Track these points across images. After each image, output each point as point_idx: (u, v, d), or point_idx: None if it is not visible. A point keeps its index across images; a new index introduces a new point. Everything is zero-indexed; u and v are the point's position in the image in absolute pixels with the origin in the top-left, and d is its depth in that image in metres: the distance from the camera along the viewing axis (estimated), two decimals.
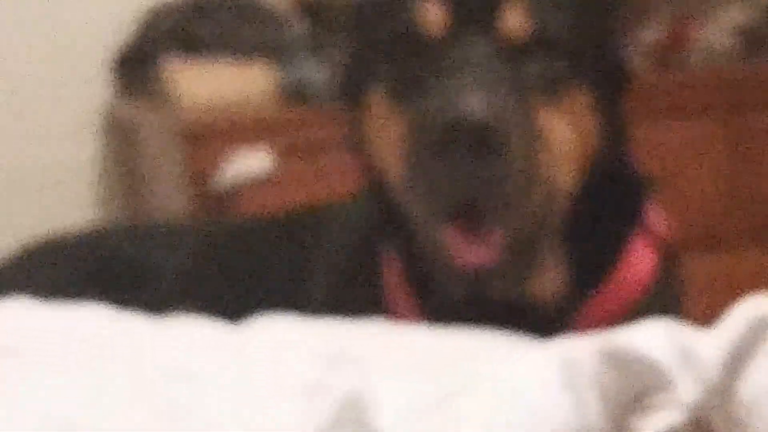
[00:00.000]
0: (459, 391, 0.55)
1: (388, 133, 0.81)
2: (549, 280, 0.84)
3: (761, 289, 0.68)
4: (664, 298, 0.88)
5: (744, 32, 2.81)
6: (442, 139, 0.74)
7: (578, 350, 0.53)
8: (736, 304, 0.56)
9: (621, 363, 0.52)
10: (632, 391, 0.53)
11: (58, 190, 1.99)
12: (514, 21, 0.79)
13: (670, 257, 0.90)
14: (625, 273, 0.85)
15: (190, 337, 0.70)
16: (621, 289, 0.84)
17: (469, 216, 0.76)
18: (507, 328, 0.69)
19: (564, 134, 0.80)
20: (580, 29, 0.83)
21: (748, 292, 0.61)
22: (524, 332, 0.67)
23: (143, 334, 0.71)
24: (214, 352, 0.67)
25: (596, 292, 0.83)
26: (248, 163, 1.58)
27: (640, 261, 0.86)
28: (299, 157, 1.67)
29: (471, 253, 0.76)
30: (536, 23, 0.80)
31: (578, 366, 0.52)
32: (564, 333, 0.72)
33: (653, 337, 0.54)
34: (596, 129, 0.82)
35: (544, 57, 0.81)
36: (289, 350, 0.61)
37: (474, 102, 0.73)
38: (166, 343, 0.69)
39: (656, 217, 0.90)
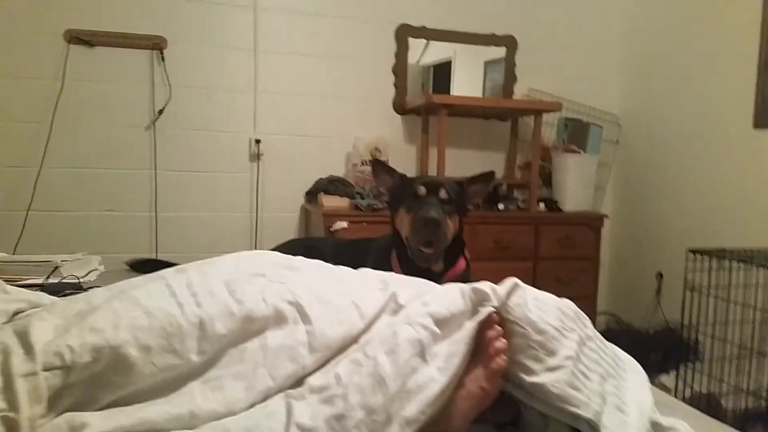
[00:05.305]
0: (424, 293, 1.33)
1: (403, 220, 1.95)
2: (441, 263, 1.98)
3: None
4: (469, 275, 2.02)
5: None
6: (422, 224, 1.85)
7: (465, 286, 1.31)
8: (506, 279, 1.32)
9: (476, 290, 1.29)
10: (479, 299, 1.26)
11: None
12: (443, 192, 1.99)
13: (468, 262, 2.12)
14: (458, 264, 1.98)
15: (308, 261, 1.42)
16: (457, 269, 1.96)
17: (428, 242, 1.86)
18: (430, 278, 1.61)
19: (452, 225, 2.00)
20: (460, 197, 2.08)
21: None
22: (433, 280, 1.56)
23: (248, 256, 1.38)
24: (323, 269, 1.41)
25: (451, 269, 1.96)
26: (340, 225, 3.76)
27: (462, 261, 2.00)
28: (359, 226, 3.72)
29: (427, 251, 1.88)
30: (449, 193, 2.04)
31: (464, 290, 1.28)
32: (442, 282, 1.63)
33: (483, 284, 1.31)
34: (458, 225, 2.04)
35: (450, 204, 2.05)
36: (366, 276, 1.39)
37: (433, 214, 1.87)
38: (276, 259, 1.37)
39: (465, 250, 2.10)
